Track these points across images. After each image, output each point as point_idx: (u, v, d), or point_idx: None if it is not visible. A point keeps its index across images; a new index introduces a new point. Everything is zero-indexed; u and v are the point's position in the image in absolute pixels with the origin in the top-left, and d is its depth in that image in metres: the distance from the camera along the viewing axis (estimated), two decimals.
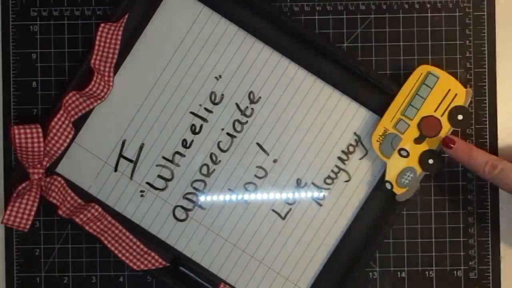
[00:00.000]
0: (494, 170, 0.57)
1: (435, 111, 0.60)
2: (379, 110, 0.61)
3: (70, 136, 0.61)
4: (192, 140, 0.62)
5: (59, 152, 0.61)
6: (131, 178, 0.62)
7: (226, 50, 0.62)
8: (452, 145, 0.59)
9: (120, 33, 0.61)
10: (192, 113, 0.62)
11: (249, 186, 0.62)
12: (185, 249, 0.62)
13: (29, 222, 0.59)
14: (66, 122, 0.60)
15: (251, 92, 0.62)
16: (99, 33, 0.61)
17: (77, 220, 0.60)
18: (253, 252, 0.62)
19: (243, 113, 0.62)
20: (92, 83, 0.61)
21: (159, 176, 0.62)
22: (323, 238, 0.62)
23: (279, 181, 0.62)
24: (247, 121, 0.62)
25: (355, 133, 0.62)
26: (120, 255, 0.61)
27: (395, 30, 0.62)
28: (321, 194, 0.62)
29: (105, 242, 0.60)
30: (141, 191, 0.62)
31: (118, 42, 0.61)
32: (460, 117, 0.60)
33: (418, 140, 0.60)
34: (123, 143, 0.62)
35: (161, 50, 0.62)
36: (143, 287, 0.63)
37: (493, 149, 0.62)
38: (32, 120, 0.61)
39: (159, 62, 0.62)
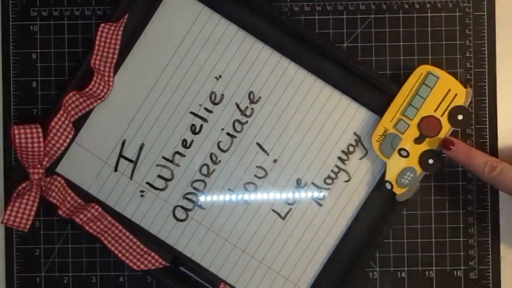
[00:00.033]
0: (493, 171, 0.57)
1: (435, 111, 0.60)
2: (379, 110, 0.61)
3: (70, 136, 0.61)
4: (192, 140, 0.62)
5: (59, 152, 0.61)
6: (131, 178, 0.62)
7: (226, 50, 0.62)
8: (451, 147, 0.59)
9: (120, 33, 0.61)
10: (192, 113, 0.62)
11: (249, 186, 0.62)
12: (185, 249, 0.62)
13: (29, 222, 0.59)
14: (66, 122, 0.60)
15: (251, 92, 0.62)
16: (99, 33, 0.61)
17: (77, 220, 0.60)
18: (253, 252, 0.62)
19: (243, 113, 0.62)
20: (92, 83, 0.61)
21: (159, 176, 0.62)
22: (323, 238, 0.62)
23: (279, 181, 0.62)
24: (247, 121, 0.62)
25: (355, 133, 0.62)
26: (120, 255, 0.61)
27: (395, 30, 0.62)
28: (321, 194, 0.62)
29: (105, 242, 0.60)
30: (141, 191, 0.62)
31: (118, 42, 0.61)
32: (460, 117, 0.60)
33: (418, 140, 0.60)
34: (123, 143, 0.62)
35: (161, 50, 0.62)
36: (143, 287, 0.63)
37: (493, 149, 0.62)
38: (32, 120, 0.61)
39: (159, 62, 0.62)
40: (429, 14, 0.63)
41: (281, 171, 0.62)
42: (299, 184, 0.62)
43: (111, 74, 0.61)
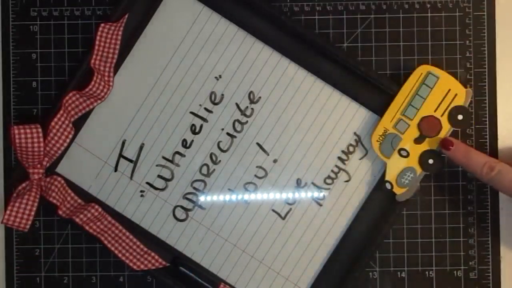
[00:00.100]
0: (492, 171, 0.57)
1: (435, 111, 0.60)
2: (379, 110, 0.61)
3: (70, 136, 0.61)
4: (192, 140, 0.62)
5: (59, 152, 0.61)
6: (131, 178, 0.62)
7: (226, 50, 0.62)
8: (450, 147, 0.59)
9: (120, 33, 0.61)
10: (192, 113, 0.62)
11: (249, 186, 0.62)
12: (185, 249, 0.62)
13: (29, 222, 0.59)
14: (66, 122, 0.60)
15: (251, 92, 0.62)
16: (99, 33, 0.61)
17: (77, 220, 0.60)
18: (253, 252, 0.62)
19: (243, 113, 0.62)
20: (92, 83, 0.61)
21: (159, 176, 0.62)
22: (323, 238, 0.62)
23: (279, 181, 0.62)
24: (247, 121, 0.62)
25: (355, 133, 0.62)
26: (120, 255, 0.61)
27: (395, 30, 0.62)
28: (321, 194, 0.62)
29: (105, 242, 0.60)
30: (141, 191, 0.62)
31: (118, 42, 0.61)
32: (460, 117, 0.60)
33: (418, 140, 0.60)
34: (123, 143, 0.62)
35: (161, 50, 0.62)
36: (143, 287, 0.63)
37: (493, 149, 0.62)
38: (32, 120, 0.61)
39: (159, 62, 0.62)
40: (429, 14, 0.63)
41: (281, 171, 0.62)
42: (299, 184, 0.62)
43: (111, 74, 0.61)
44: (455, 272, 0.63)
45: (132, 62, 0.62)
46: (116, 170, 0.62)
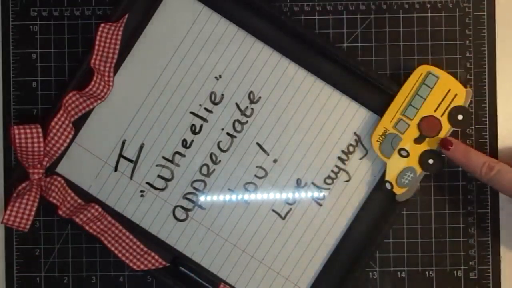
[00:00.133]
0: (491, 171, 0.57)
1: (435, 111, 0.60)
2: (379, 110, 0.61)
3: (70, 136, 0.61)
4: (192, 140, 0.62)
5: (59, 152, 0.61)
6: (131, 178, 0.62)
7: (226, 50, 0.62)
8: (450, 147, 0.59)
9: (120, 33, 0.61)
10: (192, 113, 0.62)
11: (249, 186, 0.62)
12: (185, 249, 0.62)
13: (29, 222, 0.59)
14: (66, 122, 0.60)
15: (251, 92, 0.62)
16: (99, 33, 0.61)
17: (77, 220, 0.60)
18: (253, 252, 0.62)
19: (243, 113, 0.62)
20: (92, 83, 0.61)
21: (159, 176, 0.62)
22: (323, 238, 0.62)
23: (279, 181, 0.62)
24: (247, 121, 0.62)
25: (355, 133, 0.62)
26: (120, 255, 0.61)
27: (395, 30, 0.62)
28: (321, 194, 0.62)
29: (105, 242, 0.60)
30: (141, 191, 0.62)
31: (118, 42, 0.61)
32: (460, 117, 0.60)
33: (418, 140, 0.60)
34: (123, 143, 0.62)
35: (161, 50, 0.62)
36: (143, 287, 0.63)
37: (493, 149, 0.62)
38: (32, 120, 0.61)
39: (159, 62, 0.62)
40: (429, 14, 0.63)
41: (281, 171, 0.62)
42: (299, 184, 0.62)
43: (111, 74, 0.61)
44: (455, 272, 0.63)
45: (132, 62, 0.62)
46: (116, 170, 0.62)
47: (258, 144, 0.62)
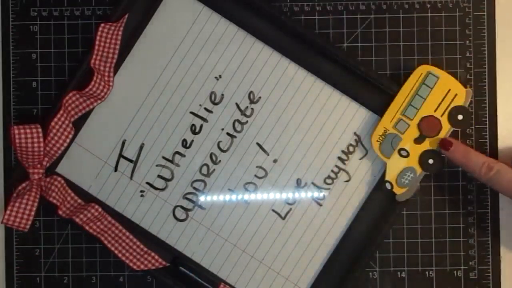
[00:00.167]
0: (490, 171, 0.57)
1: (435, 111, 0.60)
2: (379, 110, 0.61)
3: (70, 136, 0.61)
4: (192, 140, 0.62)
5: (59, 152, 0.61)
6: (131, 178, 0.62)
7: (226, 50, 0.62)
8: (449, 147, 0.59)
9: (120, 33, 0.61)
10: (192, 113, 0.62)
11: (249, 186, 0.62)
12: (185, 249, 0.62)
13: (29, 222, 0.59)
14: (66, 122, 0.60)
15: (251, 92, 0.62)
16: (99, 33, 0.61)
17: (77, 220, 0.60)
18: (253, 252, 0.62)
19: (243, 113, 0.62)
20: (92, 83, 0.61)
21: (159, 176, 0.62)
22: (323, 238, 0.62)
23: (279, 181, 0.62)
24: (247, 121, 0.62)
25: (355, 133, 0.62)
26: (120, 255, 0.61)
27: (395, 30, 0.62)
28: (321, 194, 0.62)
29: (105, 242, 0.60)
30: (141, 191, 0.62)
31: (118, 42, 0.61)
32: (460, 117, 0.60)
33: (418, 140, 0.60)
34: (123, 143, 0.62)
35: (161, 50, 0.62)
36: (143, 287, 0.63)
37: (493, 149, 0.62)
38: (32, 120, 0.61)
39: (159, 62, 0.62)
40: (429, 14, 0.63)
41: (281, 171, 0.62)
42: (299, 184, 0.62)
43: (111, 74, 0.61)
44: (455, 272, 0.63)
45: (132, 62, 0.62)
46: (116, 170, 0.62)
47: (258, 144, 0.62)
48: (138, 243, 0.61)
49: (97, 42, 0.61)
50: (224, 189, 0.62)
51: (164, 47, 0.62)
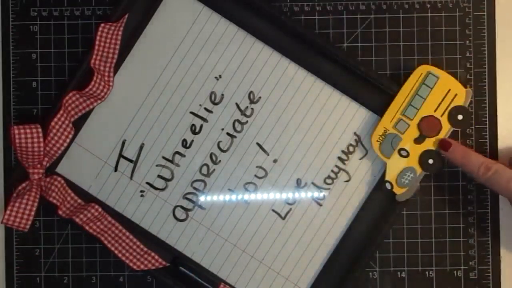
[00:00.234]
0: (488, 171, 0.57)
1: (435, 111, 0.60)
2: (379, 110, 0.61)
3: (70, 136, 0.61)
4: (192, 140, 0.62)
5: (59, 152, 0.61)
6: (131, 178, 0.62)
7: (226, 50, 0.62)
8: (448, 148, 0.59)
9: (120, 33, 0.61)
10: (192, 113, 0.62)
11: (249, 186, 0.62)
12: (185, 249, 0.62)
13: (29, 222, 0.59)
14: (66, 122, 0.60)
15: (251, 92, 0.62)
16: (99, 33, 0.61)
17: (77, 220, 0.60)
18: (253, 252, 0.62)
19: (243, 113, 0.62)
20: (92, 83, 0.61)
21: (159, 176, 0.62)
22: (323, 238, 0.62)
23: (279, 181, 0.62)
24: (247, 121, 0.62)
25: (355, 133, 0.62)
26: (120, 255, 0.61)
27: (395, 30, 0.62)
28: (321, 194, 0.62)
29: (105, 242, 0.60)
30: (141, 191, 0.62)
31: (118, 42, 0.61)
32: (460, 117, 0.60)
33: (418, 140, 0.60)
34: (123, 143, 0.62)
35: (161, 50, 0.62)
36: (143, 287, 0.63)
37: (493, 149, 0.62)
38: (32, 120, 0.61)
39: (159, 62, 0.62)
40: (429, 14, 0.63)
41: (281, 171, 0.62)
42: (299, 184, 0.62)
43: (111, 74, 0.61)
44: (455, 272, 0.63)
45: (132, 62, 0.62)
46: (116, 170, 0.62)
47: (258, 144, 0.62)
48: (138, 243, 0.61)
49: (97, 42, 0.61)
50: (224, 189, 0.62)
51: (164, 47, 0.62)
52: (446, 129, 0.60)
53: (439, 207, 0.63)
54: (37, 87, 0.63)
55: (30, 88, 0.63)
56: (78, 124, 0.62)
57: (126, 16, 0.61)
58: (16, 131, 0.59)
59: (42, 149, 0.60)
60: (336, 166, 0.62)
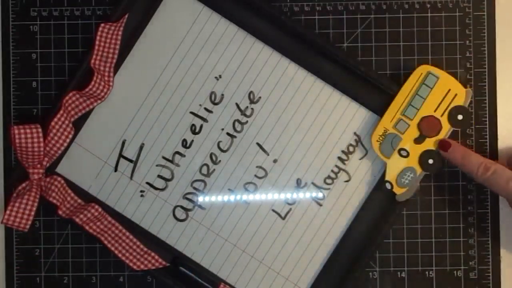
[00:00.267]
0: (487, 172, 0.57)
1: (435, 111, 0.60)
2: (379, 110, 0.61)
3: (70, 136, 0.61)
4: (192, 140, 0.62)
5: (59, 152, 0.61)
6: (131, 178, 0.62)
7: (226, 50, 0.62)
8: (448, 148, 0.59)
9: (120, 33, 0.61)
10: (192, 113, 0.62)
11: (249, 186, 0.62)
12: (185, 249, 0.62)
13: (29, 222, 0.59)
14: (66, 122, 0.60)
15: (251, 92, 0.62)
16: (99, 33, 0.61)
17: (77, 220, 0.60)
18: (253, 252, 0.62)
19: (243, 113, 0.62)
20: (92, 83, 0.61)
21: (159, 176, 0.62)
22: (323, 238, 0.62)
23: (279, 181, 0.62)
24: (247, 121, 0.62)
25: (355, 133, 0.62)
26: (120, 255, 0.61)
27: (395, 30, 0.62)
28: (321, 194, 0.62)
29: (105, 242, 0.60)
30: (141, 191, 0.62)
31: (118, 42, 0.61)
32: (460, 117, 0.60)
33: (418, 140, 0.60)
34: (123, 143, 0.62)
35: (161, 50, 0.62)
36: (143, 287, 0.63)
37: (493, 149, 0.62)
38: (32, 120, 0.61)
39: (159, 62, 0.62)
40: (429, 14, 0.63)
41: (281, 171, 0.62)
42: (299, 184, 0.62)
43: (111, 74, 0.61)
44: (455, 272, 0.63)
45: (132, 62, 0.62)
46: (116, 170, 0.62)
47: (258, 144, 0.62)
48: (138, 243, 0.61)
49: (97, 42, 0.61)
50: (224, 189, 0.62)
51: (164, 47, 0.62)
52: (446, 129, 0.60)
53: (439, 207, 0.63)
54: (37, 87, 0.63)
55: (30, 88, 0.63)
56: (78, 124, 0.62)
57: (126, 16, 0.61)
58: (16, 131, 0.59)
59: (42, 149, 0.60)
60: (336, 166, 0.62)
